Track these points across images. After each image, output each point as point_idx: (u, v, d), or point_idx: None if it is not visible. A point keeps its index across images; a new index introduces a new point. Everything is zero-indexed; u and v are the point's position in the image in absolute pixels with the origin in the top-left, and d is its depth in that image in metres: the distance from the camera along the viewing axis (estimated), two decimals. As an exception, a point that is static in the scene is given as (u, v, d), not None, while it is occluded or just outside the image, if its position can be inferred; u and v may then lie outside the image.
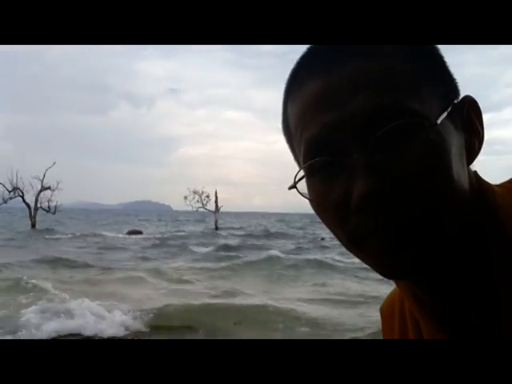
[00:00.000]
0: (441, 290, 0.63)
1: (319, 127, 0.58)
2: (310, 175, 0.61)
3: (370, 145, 0.55)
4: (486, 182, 0.65)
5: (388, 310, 0.78)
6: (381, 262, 0.58)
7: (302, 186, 0.63)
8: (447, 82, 0.63)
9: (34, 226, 35.93)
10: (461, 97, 0.63)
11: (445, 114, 0.58)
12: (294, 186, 0.63)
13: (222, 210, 42.59)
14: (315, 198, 0.61)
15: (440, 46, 0.64)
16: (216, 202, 41.42)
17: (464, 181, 0.60)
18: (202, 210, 44.86)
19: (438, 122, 0.57)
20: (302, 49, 0.66)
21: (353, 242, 0.60)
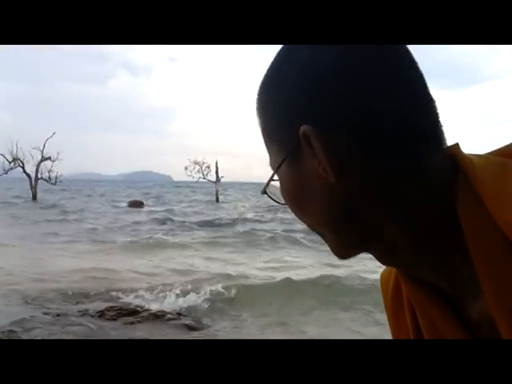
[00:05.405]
0: (428, 271, 0.63)
1: None
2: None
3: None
4: (463, 163, 0.60)
5: (385, 275, 0.80)
6: (336, 252, 0.67)
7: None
8: (281, 134, 0.64)
9: (34, 197, 35.88)
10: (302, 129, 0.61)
11: (273, 173, 0.66)
12: (267, 187, 0.69)
13: (222, 180, 42.50)
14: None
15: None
16: (216, 172, 41.09)
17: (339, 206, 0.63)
18: (202, 180, 44.82)
19: (275, 177, 0.66)
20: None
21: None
